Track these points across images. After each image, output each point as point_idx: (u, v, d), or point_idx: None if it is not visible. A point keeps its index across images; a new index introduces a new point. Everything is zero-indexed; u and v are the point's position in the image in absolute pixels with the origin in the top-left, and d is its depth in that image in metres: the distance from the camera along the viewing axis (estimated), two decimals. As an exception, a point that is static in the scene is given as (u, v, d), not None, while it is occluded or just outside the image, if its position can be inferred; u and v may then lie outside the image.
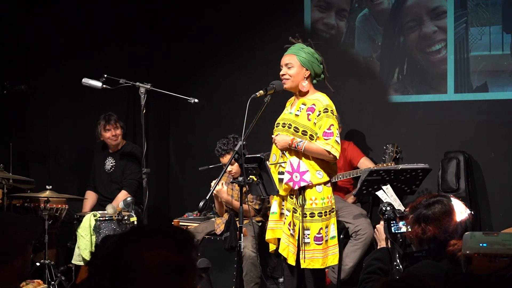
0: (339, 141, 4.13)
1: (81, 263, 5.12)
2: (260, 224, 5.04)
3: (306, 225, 4.09)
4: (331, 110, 4.13)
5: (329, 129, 4.09)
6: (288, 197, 4.17)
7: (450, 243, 2.66)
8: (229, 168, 5.02)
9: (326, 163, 4.15)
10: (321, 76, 4.28)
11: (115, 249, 1.75)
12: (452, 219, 2.72)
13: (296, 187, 4.09)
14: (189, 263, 1.76)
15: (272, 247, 4.35)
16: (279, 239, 4.28)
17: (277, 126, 4.26)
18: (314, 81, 4.27)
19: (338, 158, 4.13)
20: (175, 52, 6.82)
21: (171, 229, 1.83)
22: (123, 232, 1.82)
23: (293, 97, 4.35)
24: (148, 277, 1.70)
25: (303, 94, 4.23)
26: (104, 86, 5.05)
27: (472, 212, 2.83)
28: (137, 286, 1.70)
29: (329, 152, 4.07)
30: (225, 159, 5.08)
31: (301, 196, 4.10)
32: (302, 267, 4.14)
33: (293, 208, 4.14)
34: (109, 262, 1.74)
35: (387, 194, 4.66)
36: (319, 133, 4.10)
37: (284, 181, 4.11)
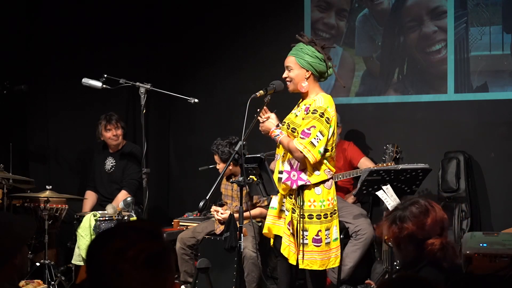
0: (316, 144, 3.97)
1: (81, 263, 5.11)
2: (260, 224, 5.04)
3: (304, 226, 4.08)
4: (321, 113, 4.01)
5: (308, 129, 4.00)
6: (288, 197, 4.16)
7: (427, 242, 2.65)
8: (218, 166, 5.09)
9: (321, 161, 4.12)
10: (328, 73, 4.18)
11: (97, 254, 1.76)
12: (429, 217, 2.71)
13: (294, 186, 4.08)
14: (166, 250, 1.80)
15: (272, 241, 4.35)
16: (275, 236, 4.28)
17: (282, 125, 4.25)
18: (322, 79, 4.21)
19: (312, 161, 3.99)
20: (175, 52, 6.82)
21: (139, 223, 1.86)
22: (96, 238, 1.82)
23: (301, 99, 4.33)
24: (135, 275, 1.71)
25: (306, 95, 4.21)
26: (104, 86, 5.05)
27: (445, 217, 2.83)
28: (126, 285, 1.71)
29: (300, 152, 3.99)
30: (216, 158, 5.15)
31: (299, 197, 4.09)
32: (300, 267, 4.13)
33: (292, 208, 4.13)
34: (95, 268, 1.75)
35: (387, 194, 4.67)
36: (299, 130, 4.07)
37: (282, 180, 4.10)
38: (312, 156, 3.99)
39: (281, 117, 4.28)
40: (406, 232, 2.68)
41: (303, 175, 4.07)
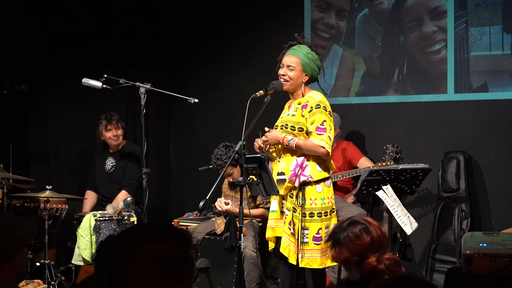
0: (331, 137, 4.13)
1: (81, 263, 5.12)
2: (260, 224, 5.04)
3: (305, 225, 4.09)
4: (324, 106, 4.12)
5: (322, 124, 4.09)
6: (288, 196, 4.17)
7: (365, 263, 2.70)
8: (229, 176, 5.04)
9: (322, 157, 4.15)
10: (315, 80, 4.31)
11: (116, 242, 1.76)
12: (363, 239, 2.75)
13: (297, 183, 4.10)
14: (188, 259, 1.77)
15: (271, 245, 4.35)
16: (278, 238, 4.28)
17: (275, 129, 4.27)
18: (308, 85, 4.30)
19: (330, 154, 4.13)
20: (175, 52, 6.82)
21: (171, 227, 1.85)
22: (125, 228, 1.84)
23: (290, 100, 4.36)
24: (146, 268, 1.70)
25: (299, 95, 4.24)
26: (104, 86, 5.05)
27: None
28: (135, 278, 1.70)
29: (323, 147, 4.06)
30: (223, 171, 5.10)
31: (301, 194, 4.10)
32: (300, 266, 4.14)
33: (293, 207, 4.14)
34: (110, 255, 1.75)
35: (387, 194, 4.67)
36: (311, 128, 4.09)
37: (288, 177, 4.11)
38: (331, 149, 4.11)
39: (274, 116, 4.30)
40: (343, 258, 2.76)
41: (306, 171, 4.10)
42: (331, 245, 2.83)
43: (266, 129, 4.20)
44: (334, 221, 4.20)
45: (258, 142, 4.22)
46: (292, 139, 4.10)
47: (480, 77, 5.52)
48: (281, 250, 4.18)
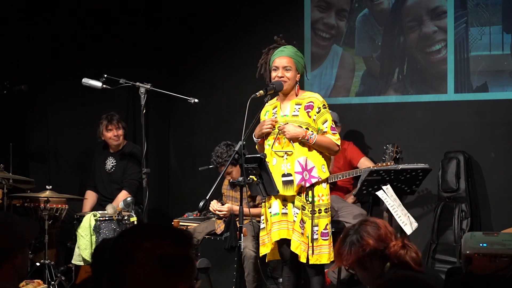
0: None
1: (81, 263, 5.12)
2: (260, 224, 5.03)
3: (315, 222, 4.12)
4: (327, 107, 4.26)
5: (332, 125, 4.22)
6: (296, 195, 4.18)
7: (390, 246, 2.71)
8: (229, 176, 5.03)
9: (325, 157, 4.22)
10: None
11: (116, 241, 1.77)
12: (381, 229, 2.77)
13: (307, 185, 4.15)
14: (188, 258, 1.78)
15: (266, 250, 4.31)
16: (281, 240, 4.27)
17: (273, 130, 4.26)
18: None
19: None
20: (175, 52, 6.82)
21: (171, 227, 1.86)
22: (125, 228, 1.85)
23: (273, 100, 4.34)
24: (146, 267, 1.70)
25: (293, 95, 4.24)
26: (104, 86, 5.05)
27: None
28: (135, 276, 1.70)
29: (338, 146, 4.21)
30: (222, 169, 5.08)
31: (310, 192, 4.13)
32: (310, 263, 4.15)
33: (302, 205, 4.16)
34: (110, 254, 1.75)
35: (387, 194, 4.67)
36: (325, 128, 4.19)
37: (296, 181, 4.12)
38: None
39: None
40: (369, 249, 2.74)
41: (314, 173, 4.16)
42: (350, 246, 2.81)
43: (281, 122, 4.21)
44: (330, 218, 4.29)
45: (273, 119, 4.22)
46: (314, 134, 4.15)
47: (480, 77, 5.52)
48: (292, 249, 4.18)
